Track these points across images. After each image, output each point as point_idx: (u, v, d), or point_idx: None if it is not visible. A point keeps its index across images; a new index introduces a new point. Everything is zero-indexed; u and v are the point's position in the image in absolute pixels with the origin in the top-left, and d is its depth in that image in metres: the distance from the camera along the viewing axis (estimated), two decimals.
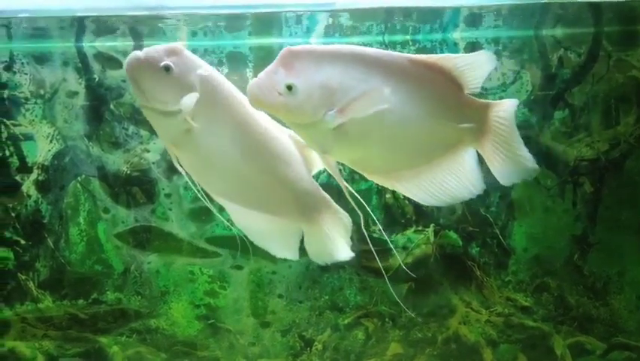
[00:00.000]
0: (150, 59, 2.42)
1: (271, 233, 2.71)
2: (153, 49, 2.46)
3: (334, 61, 2.33)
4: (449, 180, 2.54)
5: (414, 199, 2.56)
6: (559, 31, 5.87)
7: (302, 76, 2.28)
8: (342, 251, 2.72)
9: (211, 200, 2.66)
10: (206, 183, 2.65)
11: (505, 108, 2.56)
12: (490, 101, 2.59)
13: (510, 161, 2.54)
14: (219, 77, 2.56)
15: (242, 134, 2.54)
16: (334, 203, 2.75)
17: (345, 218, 2.75)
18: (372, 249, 2.75)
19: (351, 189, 2.68)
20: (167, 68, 2.42)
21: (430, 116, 2.46)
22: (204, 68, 2.54)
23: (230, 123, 2.49)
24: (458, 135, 2.53)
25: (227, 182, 2.62)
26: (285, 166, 2.61)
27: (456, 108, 2.51)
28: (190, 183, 2.65)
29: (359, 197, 2.72)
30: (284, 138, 2.61)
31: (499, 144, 2.54)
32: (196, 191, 2.66)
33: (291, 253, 2.75)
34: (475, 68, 2.46)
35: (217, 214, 2.78)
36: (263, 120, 2.57)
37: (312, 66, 2.30)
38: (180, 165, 2.61)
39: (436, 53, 5.80)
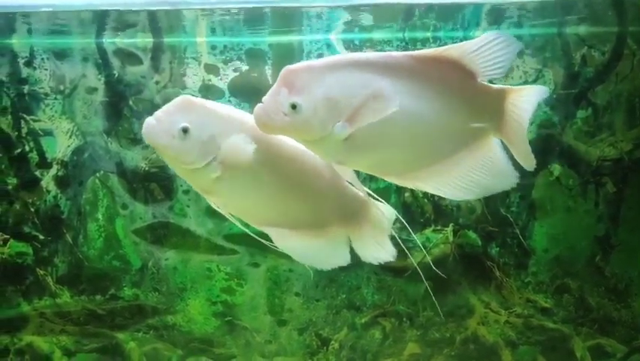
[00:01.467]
0: (166, 126, 2.37)
1: (319, 248, 2.67)
2: (166, 112, 2.40)
3: (334, 72, 2.31)
4: (476, 172, 2.48)
5: (442, 195, 2.50)
6: (582, 29, 5.79)
7: (304, 93, 2.27)
8: (387, 251, 2.69)
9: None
10: (245, 216, 2.63)
11: (523, 96, 2.48)
12: (508, 87, 2.50)
13: (528, 150, 2.49)
14: (235, 114, 2.51)
15: (270, 162, 2.50)
16: (372, 200, 2.70)
17: (387, 212, 2.70)
18: (405, 249, 2.70)
19: (372, 193, 2.66)
20: (184, 130, 2.37)
21: (441, 110, 2.41)
22: (220, 113, 2.48)
23: (256, 156, 2.44)
24: (477, 125, 2.46)
25: (266, 211, 2.60)
26: (319, 179, 2.57)
27: (469, 98, 2.44)
28: (230, 218, 2.61)
29: (381, 200, 2.69)
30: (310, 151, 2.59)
31: (517, 130, 2.48)
32: (239, 225, 2.63)
33: (342, 261, 2.69)
34: (486, 51, 2.37)
35: (265, 242, 2.73)
36: (286, 139, 2.54)
37: (313, 81, 2.29)
38: (217, 206, 2.59)
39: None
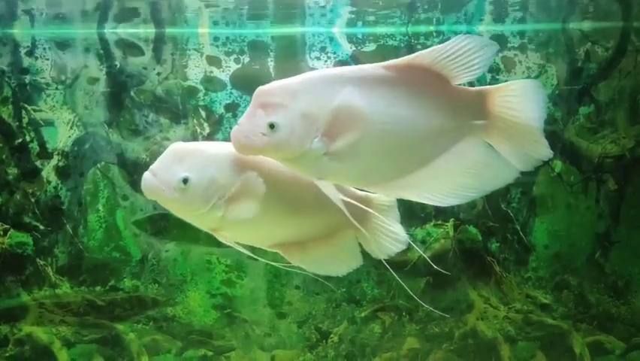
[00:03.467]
0: (165, 179, 2.36)
1: (331, 256, 2.66)
2: (162, 164, 2.38)
3: (308, 89, 2.32)
4: (464, 176, 2.46)
5: (430, 203, 2.48)
6: (586, 25, 5.77)
7: (280, 112, 2.27)
8: (399, 240, 2.65)
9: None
10: (254, 241, 2.64)
11: (507, 95, 2.44)
12: (489, 87, 2.45)
13: (519, 148, 2.45)
14: (229, 150, 2.47)
15: (272, 186, 2.47)
16: (371, 195, 2.69)
17: (387, 201, 2.69)
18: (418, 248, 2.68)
19: (354, 203, 2.61)
20: (185, 181, 2.37)
21: (418, 117, 2.39)
22: (215, 153, 2.47)
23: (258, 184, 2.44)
24: (457, 129, 2.44)
25: (274, 232, 2.61)
26: (320, 189, 2.56)
27: (446, 103, 2.41)
28: (239, 248, 2.58)
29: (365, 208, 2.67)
30: None
31: (506, 131, 2.45)
32: (250, 254, 2.64)
33: (356, 263, 2.70)
34: (458, 56, 2.34)
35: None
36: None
37: (288, 99, 2.29)
38: (225, 239, 2.57)
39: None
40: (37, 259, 5.86)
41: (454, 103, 2.44)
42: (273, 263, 2.77)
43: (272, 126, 2.27)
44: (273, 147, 2.30)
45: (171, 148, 2.43)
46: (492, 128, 2.45)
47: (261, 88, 2.32)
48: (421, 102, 2.41)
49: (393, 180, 2.46)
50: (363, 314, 5.99)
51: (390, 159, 2.43)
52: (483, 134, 2.46)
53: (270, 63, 5.83)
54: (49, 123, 5.88)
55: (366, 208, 2.60)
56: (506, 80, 6.05)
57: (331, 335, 5.97)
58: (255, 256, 2.68)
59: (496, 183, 2.46)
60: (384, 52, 5.78)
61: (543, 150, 2.41)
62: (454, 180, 2.46)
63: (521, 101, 2.42)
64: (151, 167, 2.40)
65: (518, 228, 5.96)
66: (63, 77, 5.86)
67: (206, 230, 2.56)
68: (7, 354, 5.71)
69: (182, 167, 2.38)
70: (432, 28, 5.73)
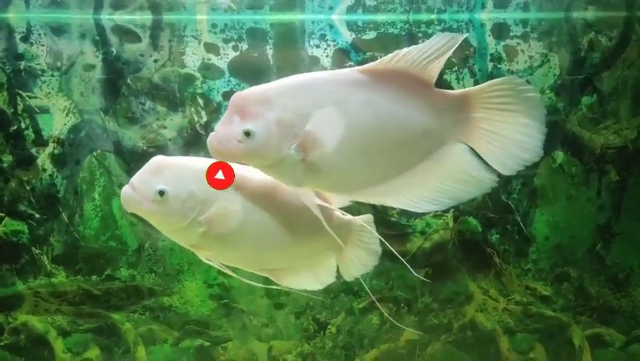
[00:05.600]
0: (143, 192, 2.36)
1: (313, 274, 2.69)
2: (141, 177, 2.39)
3: (285, 95, 2.30)
4: (444, 182, 2.41)
5: (409, 210, 2.45)
6: (590, 14, 5.71)
7: (257, 118, 2.26)
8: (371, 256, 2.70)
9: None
10: (237, 263, 2.63)
11: (487, 97, 2.36)
12: (469, 89, 2.38)
13: (503, 150, 2.39)
14: (203, 164, 2.47)
15: (255, 209, 2.49)
16: (356, 219, 2.67)
17: (364, 218, 2.68)
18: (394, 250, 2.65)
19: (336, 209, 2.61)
20: (161, 193, 2.36)
21: (396, 122, 2.34)
22: (193, 167, 2.46)
23: (244, 200, 2.45)
24: (438, 134, 2.38)
25: (258, 256, 2.60)
26: (303, 211, 2.50)
27: (426, 107, 2.36)
28: (222, 268, 2.58)
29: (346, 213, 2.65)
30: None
31: (489, 132, 2.40)
32: (233, 274, 2.62)
33: (331, 278, 2.74)
34: (437, 56, 2.29)
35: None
36: (264, 179, 2.50)
37: (264, 106, 2.27)
38: (207, 259, 2.57)
39: (462, 33, 5.69)
40: (33, 248, 5.82)
41: (434, 106, 2.38)
42: (256, 284, 2.74)
43: (247, 134, 2.26)
44: (248, 155, 2.29)
45: (151, 161, 2.44)
46: (475, 131, 2.39)
47: (237, 94, 2.31)
48: (401, 107, 2.36)
49: (373, 186, 2.43)
50: (361, 305, 5.97)
51: (369, 165, 2.39)
52: (465, 137, 2.40)
53: (269, 51, 5.77)
54: (45, 110, 5.82)
55: (349, 215, 2.61)
56: (508, 69, 6.08)
57: (329, 326, 5.95)
58: (231, 273, 2.64)
59: (475, 190, 2.41)
60: (385, 40, 5.72)
61: (531, 150, 2.34)
62: (434, 186, 2.41)
63: (504, 100, 2.35)
64: (131, 180, 2.40)
65: (519, 219, 5.93)
66: (59, 64, 5.79)
67: (187, 247, 2.53)
68: (2, 343, 5.71)
69: (159, 179, 2.38)
70: (433, 16, 5.67)
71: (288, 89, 2.33)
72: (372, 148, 2.35)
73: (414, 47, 2.29)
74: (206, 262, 2.56)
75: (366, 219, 2.68)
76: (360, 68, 2.37)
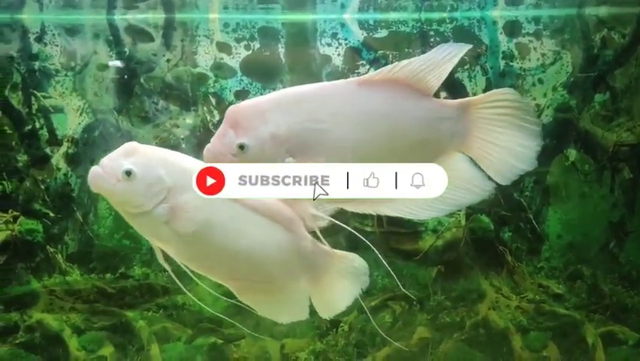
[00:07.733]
0: (110, 170, 2.33)
1: (279, 302, 2.63)
2: (109, 158, 2.36)
3: (279, 108, 2.30)
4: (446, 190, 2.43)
5: (409, 218, 2.45)
6: (603, 11, 5.68)
7: (251, 132, 2.27)
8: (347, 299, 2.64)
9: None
10: (198, 267, 2.55)
11: (486, 104, 2.36)
12: (470, 98, 2.40)
13: (500, 160, 2.40)
14: (184, 161, 2.43)
15: (225, 214, 2.44)
16: (339, 253, 2.61)
17: (358, 263, 2.65)
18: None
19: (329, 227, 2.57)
20: (128, 173, 2.33)
21: (393, 132, 2.36)
22: (166, 157, 2.42)
23: (212, 202, 2.36)
24: (436, 143, 2.40)
25: (220, 264, 2.53)
26: (278, 233, 2.51)
27: (424, 116, 2.38)
28: (184, 268, 2.51)
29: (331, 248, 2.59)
30: (274, 202, 2.52)
31: (486, 142, 2.41)
32: (193, 276, 2.54)
33: (301, 316, 2.66)
34: (435, 67, 2.30)
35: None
36: None
37: (258, 120, 2.28)
38: (165, 261, 2.49)
39: (474, 32, 5.68)
40: (48, 246, 5.86)
41: (432, 116, 2.40)
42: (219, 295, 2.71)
43: (241, 147, 2.27)
44: None
45: (125, 144, 2.41)
46: (472, 141, 2.41)
47: (232, 107, 2.31)
48: (398, 117, 2.37)
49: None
50: (373, 303, 5.95)
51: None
52: (463, 147, 2.42)
53: (281, 50, 5.77)
54: (59, 110, 5.86)
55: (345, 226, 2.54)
56: (520, 67, 6.06)
57: (341, 324, 5.94)
58: (197, 280, 2.59)
59: (472, 198, 2.42)
60: (397, 38, 5.71)
61: (526, 161, 2.36)
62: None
63: (501, 110, 2.37)
64: (101, 160, 2.37)
65: (531, 217, 5.91)
66: (72, 64, 5.83)
67: (147, 238, 2.48)
68: (17, 341, 5.73)
69: (128, 160, 2.35)
70: (445, 14, 5.66)
71: (281, 103, 2.33)
72: (369, 158, 2.34)
73: (415, 58, 2.30)
74: (163, 264, 2.50)
75: (352, 257, 2.62)
76: (359, 79, 2.36)
